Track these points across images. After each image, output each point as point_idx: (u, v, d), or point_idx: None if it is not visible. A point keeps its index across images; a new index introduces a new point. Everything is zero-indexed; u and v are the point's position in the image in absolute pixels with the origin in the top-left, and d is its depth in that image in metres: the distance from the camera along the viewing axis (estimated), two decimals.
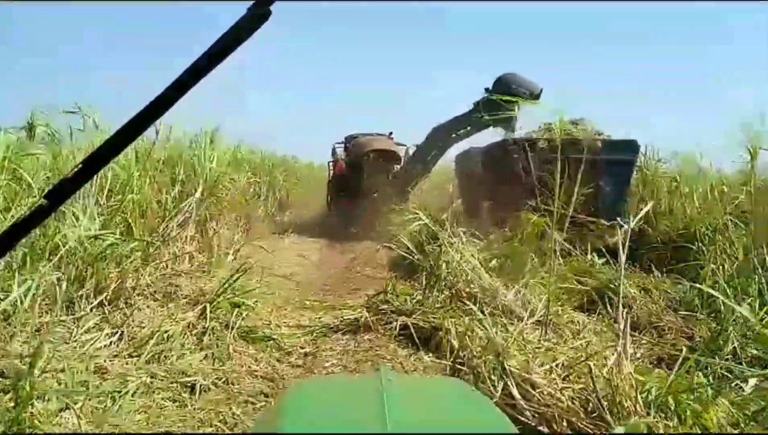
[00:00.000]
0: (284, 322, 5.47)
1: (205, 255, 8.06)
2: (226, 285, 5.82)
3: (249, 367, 4.25)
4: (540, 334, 4.11)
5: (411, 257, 5.86)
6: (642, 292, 6.06)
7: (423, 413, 0.92)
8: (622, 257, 3.33)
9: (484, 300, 4.99)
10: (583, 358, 3.08)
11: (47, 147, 7.41)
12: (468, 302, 5.07)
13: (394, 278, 6.52)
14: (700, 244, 7.08)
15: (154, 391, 3.50)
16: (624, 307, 6.01)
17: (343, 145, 15.20)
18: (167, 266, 6.97)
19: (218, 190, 9.11)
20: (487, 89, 11.15)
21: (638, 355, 4.52)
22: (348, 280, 7.79)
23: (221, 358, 4.25)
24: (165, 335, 4.47)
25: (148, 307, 5.80)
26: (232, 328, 4.75)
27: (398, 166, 13.77)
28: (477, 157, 10.57)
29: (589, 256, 7.72)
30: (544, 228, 6.84)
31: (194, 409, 3.40)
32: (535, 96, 10.54)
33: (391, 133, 14.55)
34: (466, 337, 3.98)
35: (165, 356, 4.13)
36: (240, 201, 10.72)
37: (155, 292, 6.14)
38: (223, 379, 3.88)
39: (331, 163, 15.63)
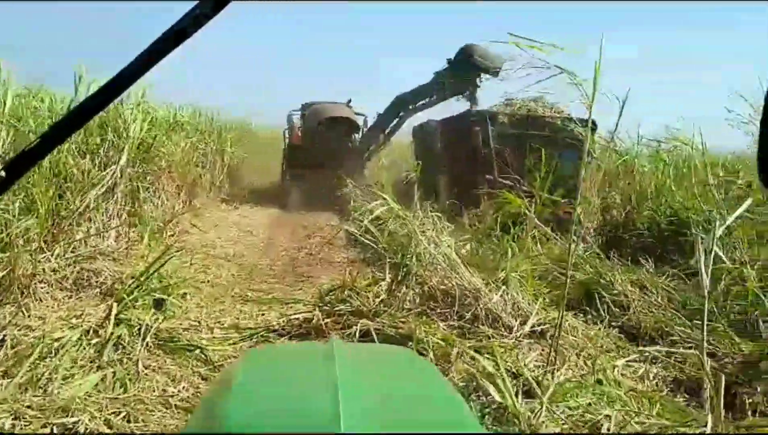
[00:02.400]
0: (218, 322, 4.46)
1: (135, 231, 6.95)
2: (150, 272, 4.81)
3: (163, 391, 3.24)
4: (546, 357, 3.21)
5: (374, 246, 4.90)
6: (638, 289, 5.25)
7: (373, 380, 0.92)
8: (706, 279, 2.35)
9: (465, 302, 4.07)
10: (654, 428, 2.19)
11: None
12: (444, 304, 4.17)
13: (353, 267, 5.57)
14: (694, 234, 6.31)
15: None
16: (616, 307, 5.30)
17: (299, 113, 14.37)
18: (85, 245, 5.87)
19: (152, 155, 7.97)
20: (449, 60, 10.85)
21: (651, 375, 3.68)
22: (300, 264, 6.77)
23: (125, 381, 3.23)
24: (54, 346, 3.43)
25: (52, 298, 4.76)
26: (146, 334, 3.72)
27: (357, 136, 13.23)
28: (436, 129, 10.38)
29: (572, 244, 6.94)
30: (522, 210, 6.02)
31: None
32: (497, 69, 10.12)
33: (349, 101, 13.81)
34: (452, 359, 3.05)
35: (48, 379, 3.09)
36: (181, 169, 9.57)
37: (64, 278, 5.07)
38: (123, 414, 2.87)
39: (286, 132, 14.72)
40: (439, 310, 4.18)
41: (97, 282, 5.08)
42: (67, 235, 5.51)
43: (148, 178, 8.20)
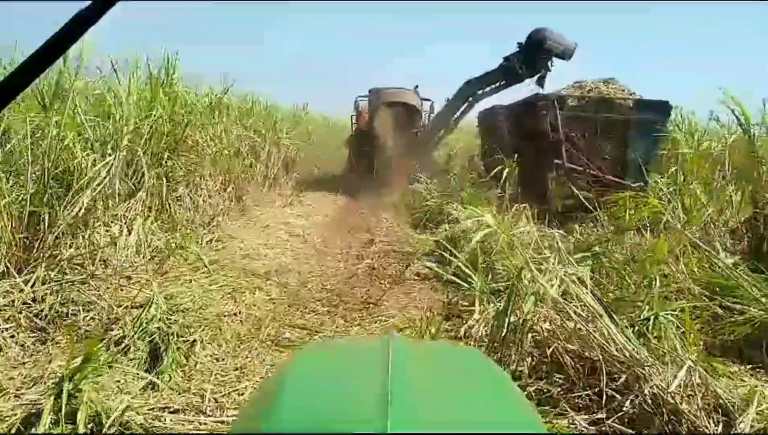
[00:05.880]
0: (234, 390, 3.05)
1: (165, 236, 5.67)
2: (153, 308, 3.52)
3: None
4: None
5: (465, 284, 3.39)
6: None
7: (429, 380, 0.83)
8: None
9: (618, 378, 2.50)
10: None
11: None
12: (578, 380, 2.62)
13: (427, 289, 4.08)
14: None
15: None
16: None
17: (367, 99, 13.97)
18: (94, 260, 4.62)
19: (187, 146, 6.72)
20: (519, 44, 10.72)
21: None
22: (360, 283, 5.33)
23: None
24: None
25: (17, 344, 3.47)
26: (111, 427, 2.34)
27: (421, 121, 13.07)
28: (503, 114, 10.06)
29: (723, 255, 5.20)
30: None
31: None
32: (569, 53, 10.32)
33: (416, 87, 13.57)
34: None
35: None
36: (228, 161, 8.31)
37: (39, 314, 3.72)
38: None
39: (353, 118, 14.78)
40: (567, 388, 2.64)
41: (85, 319, 3.77)
42: (53, 251, 4.25)
43: (186, 170, 6.99)
